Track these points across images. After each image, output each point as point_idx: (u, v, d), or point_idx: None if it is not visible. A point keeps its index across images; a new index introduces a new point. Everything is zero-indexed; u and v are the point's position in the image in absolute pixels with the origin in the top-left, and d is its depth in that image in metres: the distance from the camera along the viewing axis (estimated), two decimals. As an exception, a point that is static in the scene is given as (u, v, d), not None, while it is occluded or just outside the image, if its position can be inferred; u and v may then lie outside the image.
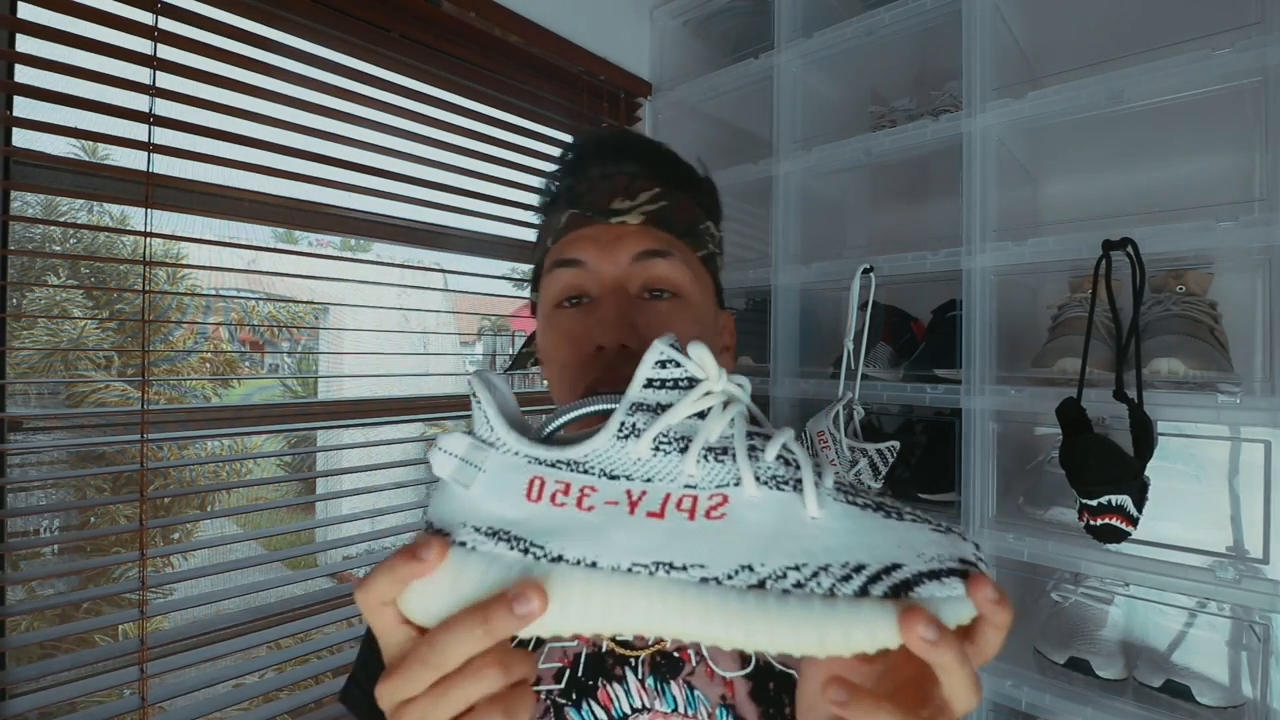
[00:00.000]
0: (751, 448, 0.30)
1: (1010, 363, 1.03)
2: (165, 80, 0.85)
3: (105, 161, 0.91)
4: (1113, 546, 0.83)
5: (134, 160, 0.84)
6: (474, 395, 0.32)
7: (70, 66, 0.78)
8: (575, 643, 0.48)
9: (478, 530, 0.30)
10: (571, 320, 0.49)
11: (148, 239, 0.86)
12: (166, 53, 0.85)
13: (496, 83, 1.24)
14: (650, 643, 0.48)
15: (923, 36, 1.11)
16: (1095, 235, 0.86)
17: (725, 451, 0.30)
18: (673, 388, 0.31)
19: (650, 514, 0.29)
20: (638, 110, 1.49)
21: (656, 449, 0.30)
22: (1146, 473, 0.81)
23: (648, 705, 0.46)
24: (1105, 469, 0.80)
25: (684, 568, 0.28)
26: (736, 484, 0.29)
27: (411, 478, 1.17)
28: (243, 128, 0.92)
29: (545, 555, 0.29)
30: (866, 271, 1.06)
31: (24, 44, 0.79)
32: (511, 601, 0.27)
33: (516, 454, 0.31)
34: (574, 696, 0.46)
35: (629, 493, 0.29)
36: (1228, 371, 0.83)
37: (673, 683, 0.46)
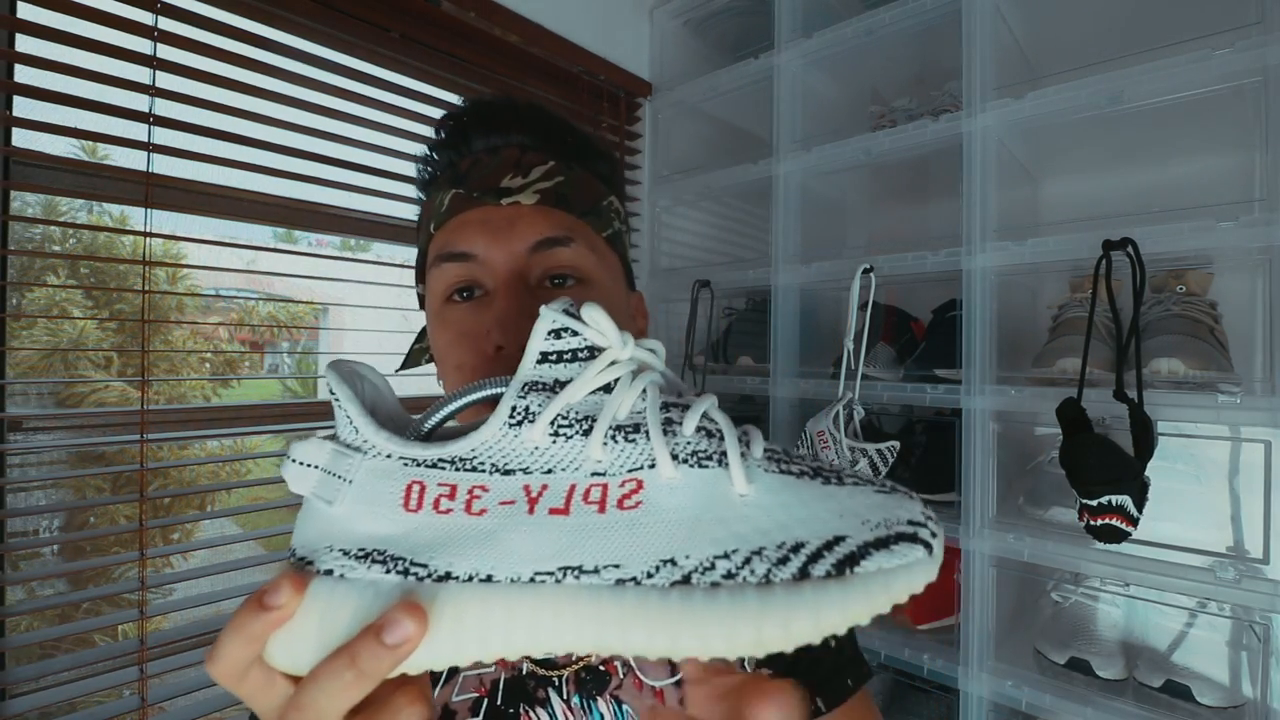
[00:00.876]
0: (667, 420, 0.25)
1: (1010, 363, 1.03)
2: (165, 80, 0.85)
3: (105, 161, 0.91)
4: (1113, 546, 0.83)
5: (134, 160, 0.84)
6: (332, 392, 0.27)
7: (70, 66, 0.78)
8: (492, 668, 0.44)
9: (346, 554, 0.26)
10: (465, 316, 0.43)
11: (148, 239, 0.86)
12: (166, 53, 0.85)
13: (496, 83, 1.24)
14: (573, 659, 0.44)
15: (923, 36, 1.11)
16: (1095, 235, 0.86)
17: (637, 429, 0.25)
18: (571, 360, 0.27)
19: (553, 510, 0.25)
20: (638, 110, 1.49)
21: (555, 434, 0.25)
22: (1146, 473, 0.81)
23: None
24: (1105, 469, 0.80)
25: (595, 570, 0.24)
26: (651, 466, 0.25)
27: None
28: (243, 128, 0.92)
29: (430, 574, 0.25)
30: (866, 271, 1.06)
31: (24, 44, 0.79)
32: (380, 632, 0.22)
33: (389, 457, 0.26)
34: None
35: (527, 488, 0.25)
36: (1228, 371, 0.83)
37: (599, 699, 0.43)
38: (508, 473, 0.25)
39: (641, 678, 0.44)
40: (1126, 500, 0.79)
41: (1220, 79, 0.81)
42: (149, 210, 0.85)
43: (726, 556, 0.23)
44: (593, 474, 0.25)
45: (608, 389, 0.26)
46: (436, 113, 1.14)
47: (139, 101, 0.84)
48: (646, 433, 0.25)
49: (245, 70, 0.91)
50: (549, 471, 0.25)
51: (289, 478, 0.27)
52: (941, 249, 1.02)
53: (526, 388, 0.26)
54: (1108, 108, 0.88)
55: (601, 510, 0.25)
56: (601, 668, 0.44)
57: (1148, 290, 0.89)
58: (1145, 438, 0.80)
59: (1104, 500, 0.80)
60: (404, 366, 0.55)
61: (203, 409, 0.97)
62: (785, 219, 1.22)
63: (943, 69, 1.14)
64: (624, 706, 0.43)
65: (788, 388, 1.20)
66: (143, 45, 0.83)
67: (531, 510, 0.25)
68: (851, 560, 0.22)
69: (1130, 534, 0.80)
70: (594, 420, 0.25)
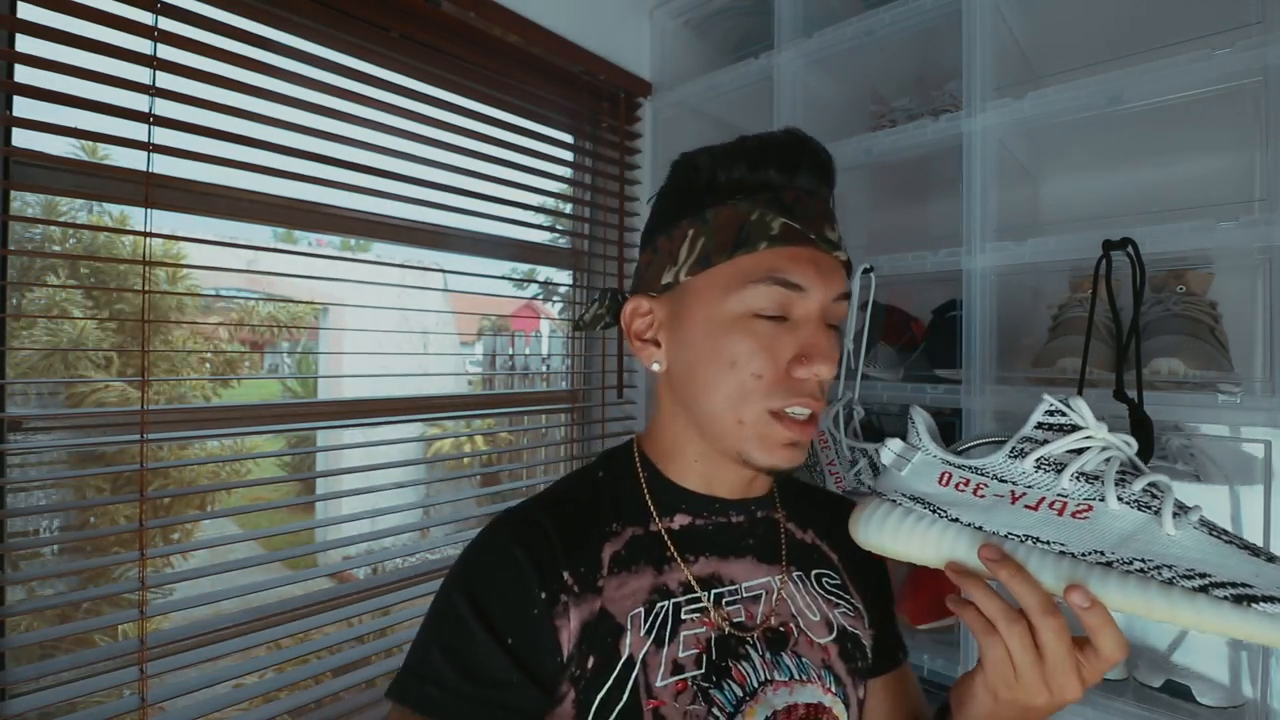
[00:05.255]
0: (1122, 475, 0.41)
1: (1010, 363, 1.03)
2: (165, 80, 0.85)
3: (105, 161, 0.91)
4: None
5: (134, 160, 0.84)
6: (912, 420, 0.51)
7: (70, 66, 0.78)
8: (704, 629, 0.51)
9: (905, 496, 0.48)
10: (772, 332, 0.50)
11: (148, 239, 0.86)
12: (166, 53, 0.85)
13: (496, 83, 1.24)
14: (759, 622, 0.53)
15: (923, 36, 1.10)
16: (1095, 235, 0.86)
17: (1097, 478, 0.41)
18: (1055, 430, 0.44)
19: (1027, 507, 0.42)
20: (638, 110, 1.49)
21: (1039, 467, 0.42)
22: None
23: (769, 677, 0.50)
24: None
25: (1048, 542, 0.41)
26: (1102, 500, 0.40)
27: (411, 478, 1.17)
28: (243, 128, 0.92)
29: (947, 516, 0.45)
30: (866, 271, 1.06)
31: (24, 44, 0.79)
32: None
33: (934, 455, 0.48)
34: (714, 678, 0.49)
35: (1013, 491, 0.43)
36: (1228, 371, 0.83)
37: (784, 654, 0.52)
38: (1002, 480, 0.44)
39: (811, 636, 0.54)
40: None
41: (1220, 79, 0.81)
42: (149, 210, 0.85)
43: (1143, 560, 0.38)
44: (1058, 494, 0.41)
45: (1079, 452, 0.42)
46: (436, 113, 1.14)
47: (139, 101, 0.84)
48: (1103, 480, 0.40)
49: (245, 70, 0.91)
50: (1029, 487, 0.43)
51: (883, 453, 0.51)
52: (941, 249, 1.02)
53: (1023, 440, 0.44)
54: (1108, 108, 0.88)
55: (1060, 515, 0.41)
56: (781, 629, 0.53)
57: (1148, 290, 0.89)
58: (1145, 438, 0.80)
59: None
60: (583, 327, 0.61)
61: (203, 409, 0.97)
62: (785, 219, 1.22)
63: (943, 69, 1.14)
64: (803, 660, 0.53)
65: (788, 388, 1.20)
66: (143, 45, 0.83)
67: (1013, 502, 0.43)
68: (1251, 599, 0.34)
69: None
70: (1062, 465, 0.42)
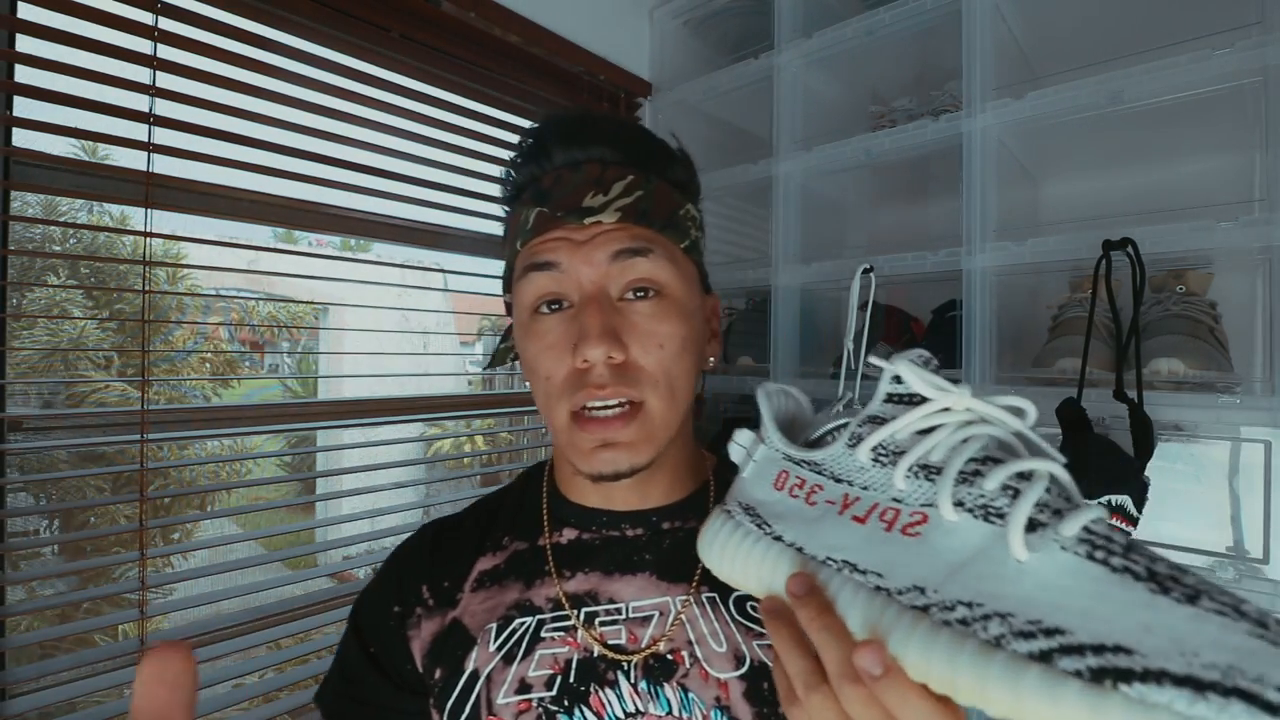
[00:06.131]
0: (974, 471, 0.28)
1: (1010, 363, 1.03)
2: (165, 80, 0.85)
3: (105, 161, 0.91)
4: (1113, 546, 0.83)
5: (134, 160, 0.84)
6: (766, 397, 0.40)
7: (70, 66, 0.78)
8: (566, 649, 0.47)
9: (740, 506, 0.38)
10: (553, 328, 0.46)
11: (148, 239, 0.86)
12: (166, 53, 0.85)
13: (496, 83, 1.24)
14: (643, 646, 0.47)
15: (923, 36, 1.10)
16: (1095, 235, 0.86)
17: (940, 471, 0.29)
18: (909, 403, 0.31)
19: (855, 518, 0.31)
20: (638, 110, 1.49)
21: (876, 459, 0.31)
22: (1146, 473, 0.81)
23: (641, 709, 0.45)
24: (1105, 469, 0.80)
25: (864, 572, 0.29)
26: (935, 505, 0.28)
27: (411, 478, 1.17)
28: (243, 128, 0.92)
29: (769, 533, 0.35)
30: (866, 271, 1.06)
31: (24, 44, 0.79)
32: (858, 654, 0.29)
33: (776, 451, 0.38)
34: (565, 703, 0.45)
35: (845, 496, 0.32)
36: (1228, 371, 0.83)
37: (666, 686, 0.45)
38: (839, 481, 0.33)
39: (708, 669, 0.46)
40: (1126, 500, 0.79)
41: (1220, 79, 0.81)
42: (149, 210, 0.85)
43: (969, 605, 0.25)
44: (893, 499, 0.30)
45: (930, 432, 0.30)
46: (437, 113, 1.14)
47: (139, 101, 0.84)
48: (944, 477, 0.28)
49: (245, 70, 0.91)
50: (865, 488, 0.31)
51: (733, 452, 0.40)
52: (941, 249, 1.02)
53: (868, 419, 0.33)
54: (1108, 108, 0.88)
55: (889, 529, 0.29)
56: (669, 656, 0.47)
57: (1148, 290, 0.89)
58: (1145, 438, 0.80)
59: (1104, 500, 0.80)
60: (490, 365, 0.58)
61: (203, 409, 0.97)
62: (785, 219, 1.22)
63: (943, 69, 1.14)
64: (690, 694, 0.45)
65: (788, 388, 1.20)
66: (143, 45, 0.83)
67: (841, 512, 0.32)
68: (1121, 675, 0.19)
69: (1130, 534, 0.80)
70: (899, 454, 0.30)
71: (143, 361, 0.86)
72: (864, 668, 0.27)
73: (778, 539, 0.34)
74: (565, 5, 1.28)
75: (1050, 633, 0.22)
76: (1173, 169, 1.08)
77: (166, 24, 0.85)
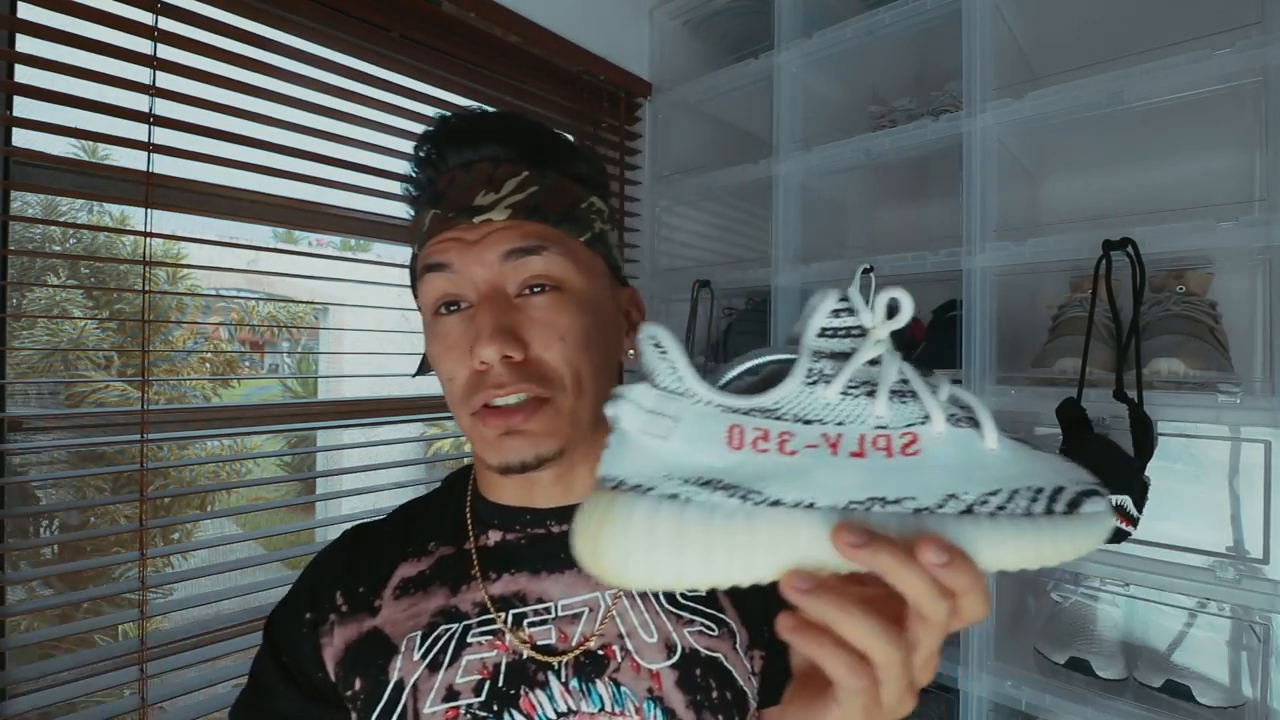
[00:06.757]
0: (933, 386, 0.32)
1: (1010, 363, 1.03)
2: (165, 80, 0.85)
3: (105, 161, 0.91)
4: (1113, 546, 0.83)
5: (134, 160, 0.84)
6: (657, 345, 0.32)
7: (70, 66, 0.78)
8: (494, 653, 0.46)
9: (687, 481, 0.30)
10: (452, 329, 0.46)
11: (148, 239, 0.86)
12: (166, 53, 0.85)
13: (496, 83, 1.24)
14: (574, 644, 0.46)
15: (923, 36, 1.11)
16: (1095, 235, 0.86)
17: (906, 394, 0.31)
18: (844, 336, 0.32)
19: (853, 454, 0.30)
20: (638, 110, 1.49)
21: (845, 393, 0.31)
22: (1146, 473, 0.81)
23: (573, 708, 0.44)
24: (1105, 469, 0.80)
25: (897, 501, 0.29)
26: (923, 422, 0.30)
27: (411, 478, 1.17)
28: (243, 128, 0.92)
29: (765, 499, 0.29)
30: (866, 271, 1.06)
31: (24, 44, 0.79)
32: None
33: (709, 404, 0.31)
34: (495, 708, 0.44)
35: (825, 436, 0.30)
36: (1228, 371, 0.83)
37: (598, 681, 0.45)
38: (807, 422, 0.31)
39: (639, 660, 0.46)
40: (1127, 500, 0.79)
41: (1220, 79, 0.81)
42: (149, 210, 0.85)
43: (995, 494, 0.29)
44: (876, 427, 0.30)
45: (874, 363, 0.32)
46: (436, 113, 1.13)
47: (139, 101, 0.84)
48: (917, 396, 0.31)
49: (245, 70, 0.91)
50: (840, 423, 0.31)
51: (621, 413, 0.31)
52: (941, 249, 1.02)
53: (816, 355, 0.32)
54: (1108, 108, 0.89)
55: (890, 455, 0.30)
56: (600, 652, 0.46)
57: (1148, 290, 0.89)
58: (1145, 438, 0.80)
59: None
60: (420, 372, 0.57)
61: (203, 409, 0.97)
62: (785, 219, 1.23)
63: (943, 69, 1.14)
64: (622, 688, 0.45)
65: (788, 388, 1.20)
66: (143, 45, 0.83)
67: (835, 452, 0.30)
68: (1075, 503, 0.29)
69: (1130, 534, 0.80)
70: (872, 385, 0.31)
71: (143, 361, 0.86)
72: (930, 560, 0.27)
73: (776, 503, 0.29)
74: (565, 5, 1.28)
75: (1038, 492, 0.29)
76: (1173, 169, 1.08)
77: (166, 24, 0.85)
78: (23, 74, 0.79)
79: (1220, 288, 0.94)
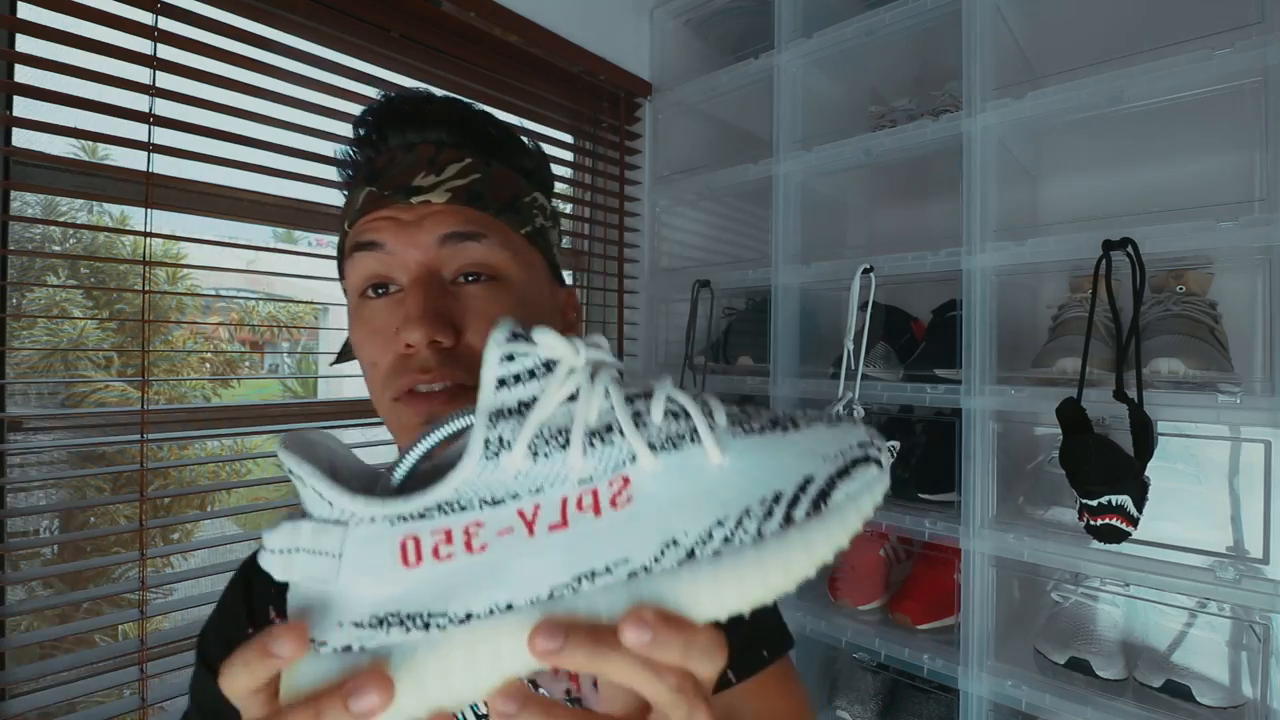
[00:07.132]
0: (636, 414, 0.26)
1: (1010, 363, 1.03)
2: (165, 80, 0.85)
3: (105, 161, 0.91)
4: (1113, 546, 0.83)
5: (134, 160, 0.84)
6: (291, 472, 0.26)
7: (70, 66, 0.78)
8: None
9: (359, 626, 0.25)
10: (378, 312, 0.44)
11: (148, 239, 0.86)
12: (166, 53, 0.85)
13: (497, 83, 1.24)
14: None
15: (923, 36, 1.11)
16: (1095, 235, 0.86)
17: (610, 429, 0.25)
18: (530, 378, 0.26)
19: (552, 526, 0.25)
20: (638, 110, 1.49)
21: (535, 454, 0.25)
22: (1146, 473, 0.81)
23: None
24: (1105, 469, 0.80)
25: (608, 570, 0.24)
26: (633, 460, 0.25)
27: (411, 478, 1.17)
28: (243, 128, 0.92)
29: (451, 620, 0.24)
30: (866, 271, 1.06)
31: (24, 44, 0.79)
32: (348, 695, 0.23)
33: (373, 520, 0.25)
34: None
35: (521, 512, 0.25)
36: (1228, 371, 0.83)
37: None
38: (497, 503, 0.25)
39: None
40: (1126, 500, 0.79)
41: (1220, 79, 0.81)
42: (149, 210, 0.85)
43: (720, 524, 0.24)
44: (580, 482, 0.25)
45: (573, 398, 0.26)
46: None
47: (139, 101, 0.84)
48: (620, 430, 0.25)
49: (245, 70, 0.91)
50: (538, 491, 0.25)
51: (274, 569, 0.26)
52: (941, 249, 1.02)
53: (494, 417, 0.26)
54: (1108, 108, 0.88)
55: (598, 514, 0.25)
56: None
57: (1148, 290, 0.89)
58: (1145, 438, 0.80)
59: (1104, 500, 0.80)
60: (338, 360, 0.55)
61: (203, 409, 0.97)
62: (785, 219, 1.23)
63: (943, 69, 1.14)
64: (540, 690, 0.43)
65: (788, 388, 1.20)
66: (143, 45, 0.83)
67: (531, 532, 0.25)
68: (823, 496, 0.24)
69: (1130, 534, 0.80)
70: (568, 432, 0.25)
71: (143, 361, 0.86)
72: (631, 640, 0.22)
73: (466, 619, 0.24)
74: (565, 5, 1.28)
75: (776, 499, 0.24)
76: (1173, 169, 1.08)
77: (166, 24, 0.85)
78: (23, 74, 0.79)
79: (1220, 288, 0.94)
